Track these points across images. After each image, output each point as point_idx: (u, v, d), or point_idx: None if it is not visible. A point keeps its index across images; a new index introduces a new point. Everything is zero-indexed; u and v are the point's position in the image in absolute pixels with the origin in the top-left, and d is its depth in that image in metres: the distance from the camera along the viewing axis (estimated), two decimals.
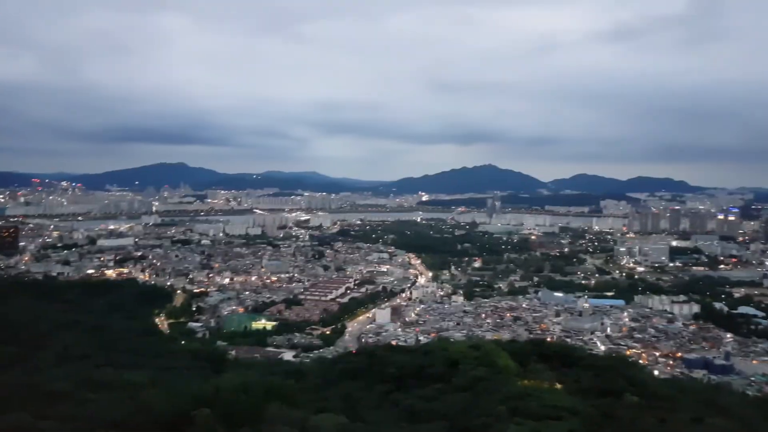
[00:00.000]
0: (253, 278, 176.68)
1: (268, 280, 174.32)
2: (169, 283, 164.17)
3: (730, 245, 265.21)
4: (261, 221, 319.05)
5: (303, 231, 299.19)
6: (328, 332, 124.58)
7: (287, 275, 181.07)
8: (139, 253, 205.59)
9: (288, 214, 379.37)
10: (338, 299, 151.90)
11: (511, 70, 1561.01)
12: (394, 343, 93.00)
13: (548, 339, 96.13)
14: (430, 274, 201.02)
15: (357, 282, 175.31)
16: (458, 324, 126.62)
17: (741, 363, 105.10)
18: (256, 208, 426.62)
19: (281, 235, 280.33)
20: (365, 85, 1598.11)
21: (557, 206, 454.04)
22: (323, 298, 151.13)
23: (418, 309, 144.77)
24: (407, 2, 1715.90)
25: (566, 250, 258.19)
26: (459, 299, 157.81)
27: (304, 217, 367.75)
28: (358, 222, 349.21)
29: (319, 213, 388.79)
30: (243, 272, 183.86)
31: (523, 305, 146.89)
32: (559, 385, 42.37)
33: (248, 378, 38.03)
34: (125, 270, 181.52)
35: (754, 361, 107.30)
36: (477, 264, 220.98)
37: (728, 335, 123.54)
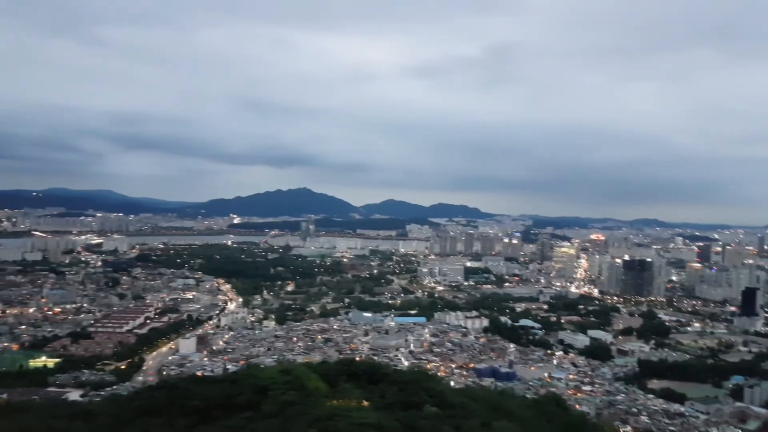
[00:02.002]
0: (32, 310, 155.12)
1: (50, 312, 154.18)
2: None
3: (513, 265, 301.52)
4: (42, 245, 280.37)
5: (94, 256, 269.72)
6: (123, 367, 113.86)
7: (74, 306, 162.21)
8: None
9: (76, 237, 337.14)
10: (136, 330, 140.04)
11: (326, 96, 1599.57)
12: (199, 373, 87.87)
13: (357, 358, 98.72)
14: (241, 299, 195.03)
15: (158, 311, 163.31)
16: (269, 349, 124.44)
17: (522, 370, 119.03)
18: (36, 230, 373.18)
19: (67, 261, 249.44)
20: (172, 99, 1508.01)
21: (368, 230, 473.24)
22: (118, 330, 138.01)
23: (226, 336, 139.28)
24: (220, 18, 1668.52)
25: (375, 271, 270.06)
26: (271, 324, 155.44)
27: (95, 240, 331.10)
28: (161, 246, 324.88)
29: (115, 236, 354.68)
30: (18, 303, 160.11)
31: (335, 326, 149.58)
32: (366, 402, 43.51)
33: (24, 423, 32.71)
34: None
35: (532, 368, 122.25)
36: (290, 287, 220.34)
37: (511, 346, 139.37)
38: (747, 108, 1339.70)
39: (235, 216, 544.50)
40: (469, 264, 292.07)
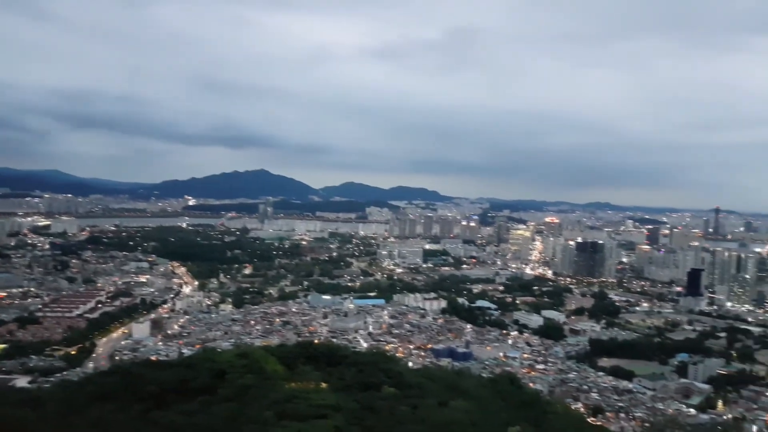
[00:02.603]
0: None
1: None
2: None
3: (471, 247, 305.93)
4: None
5: (42, 238, 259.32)
6: (73, 352, 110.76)
7: (20, 290, 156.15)
8: None
9: (22, 218, 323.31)
10: (86, 315, 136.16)
11: (285, 76, 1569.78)
12: (153, 358, 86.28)
13: (316, 341, 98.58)
14: (197, 283, 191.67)
15: (110, 295, 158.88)
16: (226, 333, 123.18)
17: (478, 350, 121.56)
18: None
19: (13, 244, 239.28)
20: (123, 76, 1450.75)
21: (327, 212, 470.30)
22: (67, 315, 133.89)
23: (182, 320, 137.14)
24: None
25: (335, 254, 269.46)
26: (228, 307, 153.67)
27: (42, 222, 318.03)
28: (113, 228, 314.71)
29: (63, 218, 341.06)
30: None
31: (293, 309, 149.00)
32: (324, 385, 43.51)
33: None
34: None
35: (488, 347, 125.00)
36: (247, 271, 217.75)
37: (468, 326, 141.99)
38: (696, 96, 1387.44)
39: (190, 198, 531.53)
40: (428, 246, 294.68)
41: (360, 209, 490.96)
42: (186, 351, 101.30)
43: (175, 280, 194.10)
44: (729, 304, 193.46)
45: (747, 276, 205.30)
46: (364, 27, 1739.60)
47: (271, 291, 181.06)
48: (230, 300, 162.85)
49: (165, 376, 45.75)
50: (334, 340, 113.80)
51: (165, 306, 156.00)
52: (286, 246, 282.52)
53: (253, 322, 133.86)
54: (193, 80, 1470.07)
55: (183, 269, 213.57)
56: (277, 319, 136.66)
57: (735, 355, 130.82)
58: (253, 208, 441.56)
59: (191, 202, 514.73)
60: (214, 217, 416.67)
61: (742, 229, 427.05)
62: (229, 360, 49.60)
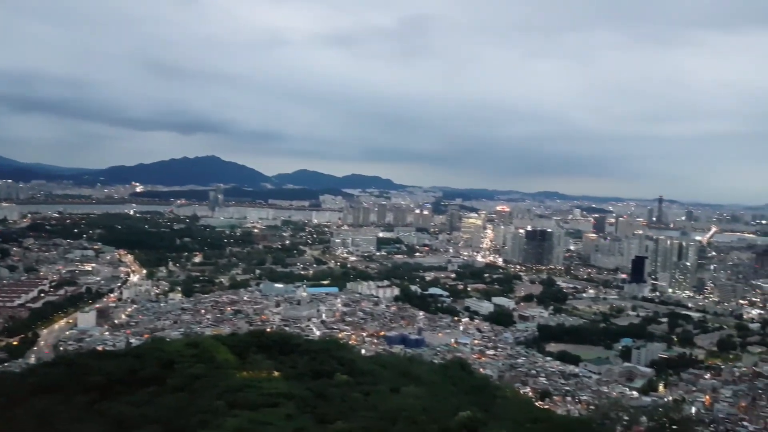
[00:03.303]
0: None
1: None
2: None
3: (424, 236, 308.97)
4: None
5: None
6: (15, 343, 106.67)
7: None
8: None
9: None
10: (28, 304, 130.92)
11: (236, 61, 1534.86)
12: (99, 348, 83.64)
13: (268, 329, 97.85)
14: (145, 271, 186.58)
15: (54, 284, 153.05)
16: (175, 322, 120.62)
17: (430, 336, 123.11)
18: None
19: None
20: (66, 58, 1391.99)
21: (280, 200, 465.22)
22: (8, 304, 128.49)
23: (129, 310, 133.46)
24: None
25: (288, 242, 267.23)
26: (177, 296, 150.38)
27: None
28: (56, 215, 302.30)
29: (3, 204, 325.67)
30: None
31: (245, 298, 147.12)
32: (277, 373, 43.31)
33: None
34: None
35: (440, 334, 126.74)
36: (198, 259, 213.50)
37: (421, 313, 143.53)
38: (642, 88, 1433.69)
39: (137, 184, 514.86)
40: (381, 234, 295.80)
41: (313, 197, 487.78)
42: (134, 341, 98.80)
43: (122, 269, 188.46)
44: (670, 290, 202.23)
45: (688, 263, 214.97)
46: (318, 12, 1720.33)
47: (222, 279, 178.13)
48: (180, 289, 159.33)
49: (112, 367, 44.61)
50: (287, 328, 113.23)
51: (112, 295, 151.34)
52: (238, 234, 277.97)
53: (203, 311, 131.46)
54: (140, 62, 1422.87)
55: (130, 257, 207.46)
56: (229, 308, 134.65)
57: (675, 339, 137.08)
58: (203, 196, 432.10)
59: (139, 188, 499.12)
60: (163, 204, 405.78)
61: (683, 218, 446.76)
62: (179, 349, 48.74)
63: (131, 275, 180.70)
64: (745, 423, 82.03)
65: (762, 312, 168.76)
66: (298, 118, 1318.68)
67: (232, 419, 30.60)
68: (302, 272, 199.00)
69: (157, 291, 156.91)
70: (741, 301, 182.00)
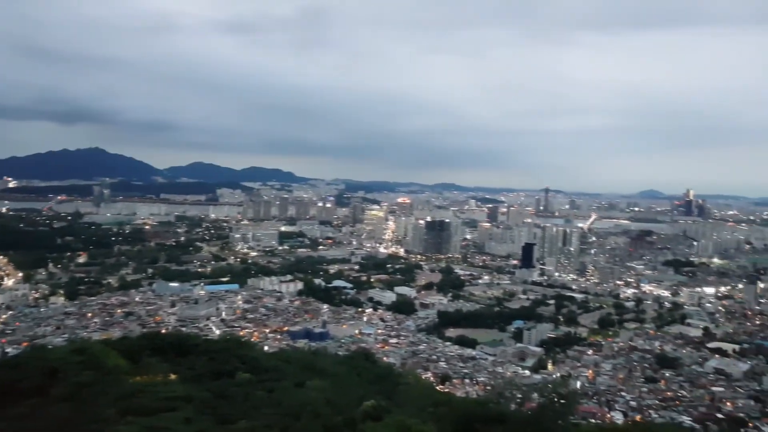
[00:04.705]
0: None
1: None
2: None
3: (327, 229, 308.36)
4: None
5: None
6: None
7: None
8: None
9: None
10: None
11: (121, 46, 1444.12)
12: None
13: (163, 331, 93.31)
14: (21, 274, 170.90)
15: None
16: (58, 328, 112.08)
17: (335, 329, 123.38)
18: None
19: None
20: None
21: (174, 194, 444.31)
22: None
23: (4, 317, 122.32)
24: None
25: (183, 239, 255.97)
26: (59, 300, 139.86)
27: None
28: None
29: None
30: None
31: (137, 299, 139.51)
32: (174, 376, 41.33)
33: None
34: None
35: (344, 326, 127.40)
36: (82, 259, 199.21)
37: (325, 306, 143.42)
38: (531, 84, 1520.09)
39: (9, 179, 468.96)
40: (283, 228, 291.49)
41: (210, 191, 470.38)
42: (11, 350, 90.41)
43: None
44: (557, 274, 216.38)
45: (571, 249, 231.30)
46: None
47: (110, 280, 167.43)
48: (62, 292, 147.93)
49: None
50: (184, 329, 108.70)
51: None
52: (127, 231, 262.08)
53: (90, 314, 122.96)
54: (10, 45, 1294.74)
55: (4, 259, 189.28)
56: (119, 310, 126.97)
57: (562, 319, 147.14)
58: (87, 191, 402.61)
59: (12, 183, 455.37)
60: (40, 201, 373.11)
61: (567, 206, 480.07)
62: (63, 357, 44.96)
63: (5, 279, 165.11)
64: (623, 393, 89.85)
65: (636, 291, 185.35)
66: (193, 108, 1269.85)
67: (125, 427, 28.79)
68: (199, 270, 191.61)
69: (36, 295, 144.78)
70: (618, 282, 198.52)
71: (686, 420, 75.65)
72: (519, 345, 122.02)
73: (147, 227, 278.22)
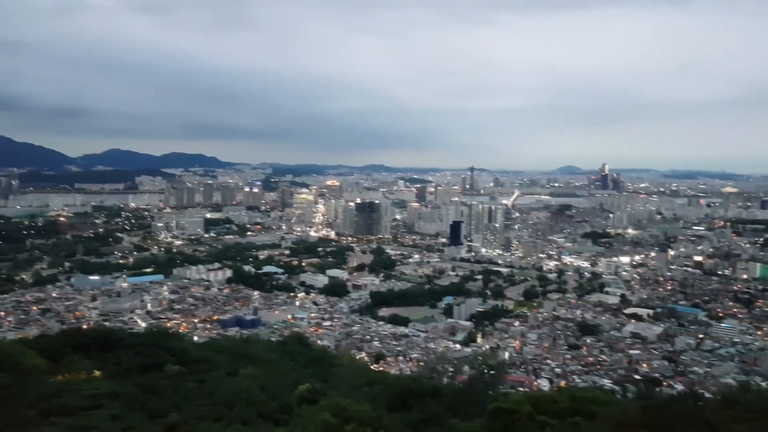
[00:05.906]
0: None
1: None
2: None
3: (255, 214, 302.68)
4: None
5: None
6: None
7: None
8: None
9: None
10: None
11: (24, 27, 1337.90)
12: None
13: (84, 326, 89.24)
14: None
15: None
16: None
17: (267, 315, 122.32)
18: None
19: None
20: None
21: (89, 184, 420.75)
22: None
23: None
24: None
25: (101, 230, 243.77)
26: None
27: None
28: None
29: None
30: None
31: (54, 294, 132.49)
32: (98, 372, 39.85)
33: None
34: None
35: (276, 311, 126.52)
36: None
37: (256, 293, 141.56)
38: (455, 65, 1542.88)
39: None
40: (209, 215, 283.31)
41: (129, 179, 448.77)
42: None
43: None
44: (484, 250, 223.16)
45: (496, 225, 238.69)
46: None
47: (23, 276, 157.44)
48: None
49: None
50: (107, 323, 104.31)
51: None
52: (40, 224, 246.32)
53: (2, 313, 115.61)
54: None
55: None
56: (34, 307, 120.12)
57: (489, 293, 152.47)
58: None
59: None
60: None
61: (491, 184, 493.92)
62: None
63: None
64: (548, 361, 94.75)
65: (557, 263, 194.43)
66: (107, 93, 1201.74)
67: (48, 429, 27.61)
68: (121, 261, 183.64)
69: None
70: (540, 255, 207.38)
71: (607, 383, 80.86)
72: (449, 320, 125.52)
73: (62, 219, 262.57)
